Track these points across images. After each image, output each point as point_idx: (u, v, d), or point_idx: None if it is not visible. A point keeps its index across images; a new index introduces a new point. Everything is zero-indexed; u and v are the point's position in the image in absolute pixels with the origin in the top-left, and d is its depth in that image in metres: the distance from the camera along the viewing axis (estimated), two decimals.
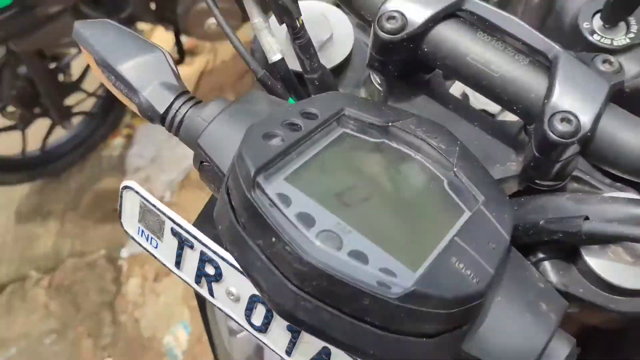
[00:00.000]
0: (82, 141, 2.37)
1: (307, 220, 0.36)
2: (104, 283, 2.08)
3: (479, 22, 0.45)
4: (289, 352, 0.50)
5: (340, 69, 0.59)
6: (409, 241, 0.37)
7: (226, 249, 0.41)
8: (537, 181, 0.45)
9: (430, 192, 0.41)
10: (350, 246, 0.35)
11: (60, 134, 2.30)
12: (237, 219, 0.38)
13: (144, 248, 0.56)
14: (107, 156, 2.42)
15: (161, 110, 0.47)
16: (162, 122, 0.48)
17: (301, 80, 0.55)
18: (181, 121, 0.47)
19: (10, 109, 2.09)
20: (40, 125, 2.19)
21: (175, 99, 0.47)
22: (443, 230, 0.38)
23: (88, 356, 1.91)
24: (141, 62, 0.48)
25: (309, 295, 0.35)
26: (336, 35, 0.59)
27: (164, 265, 0.55)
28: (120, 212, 0.55)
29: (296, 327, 0.39)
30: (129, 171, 2.33)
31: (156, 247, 0.55)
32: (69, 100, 2.17)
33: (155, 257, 0.56)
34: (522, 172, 0.46)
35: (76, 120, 2.24)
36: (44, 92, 2.05)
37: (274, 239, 0.36)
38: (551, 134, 0.41)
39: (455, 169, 0.41)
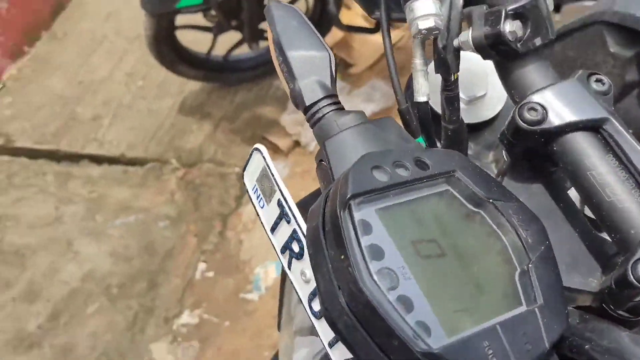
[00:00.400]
0: (261, 65, 2.51)
1: (377, 253, 0.40)
2: (227, 197, 2.23)
3: (613, 143, 0.46)
4: (331, 345, 0.55)
5: (480, 126, 0.61)
6: (458, 309, 0.40)
7: (306, 245, 0.46)
8: (610, 306, 0.46)
9: (500, 275, 0.43)
10: (402, 291, 0.39)
11: (245, 51, 2.44)
12: (324, 224, 0.43)
13: (252, 203, 0.62)
14: (276, 87, 2.55)
15: (307, 103, 0.52)
16: (305, 112, 0.53)
17: (437, 120, 0.57)
18: (320, 119, 0.52)
19: (213, 13, 2.26)
20: (231, 37, 2.34)
21: (323, 98, 0.52)
22: (492, 313, 0.40)
23: (188, 253, 2.08)
24: (308, 56, 0.53)
25: (352, 314, 0.40)
26: (489, 94, 0.61)
27: (262, 224, 0.61)
28: (245, 166, 0.62)
29: (321, 320, 0.44)
30: (289, 109, 2.44)
31: (262, 207, 0.61)
32: (264, 25, 2.30)
33: (258, 215, 0.62)
34: (599, 292, 0.47)
35: (263, 45, 2.38)
36: (246, 9, 2.19)
37: (342, 256, 0.40)
38: (631, 275, 0.42)
39: (530, 265, 0.43)
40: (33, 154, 2.54)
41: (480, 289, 0.42)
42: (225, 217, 2.17)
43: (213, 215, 2.18)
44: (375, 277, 0.39)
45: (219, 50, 2.41)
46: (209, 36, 2.34)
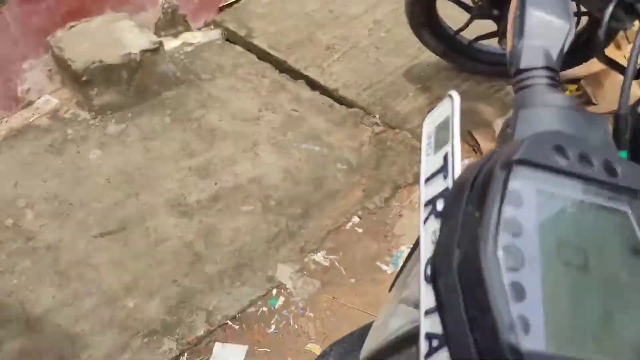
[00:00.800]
0: (502, 64, 2.42)
1: (515, 229, 0.35)
2: (408, 169, 2.21)
3: None
4: (427, 313, 0.51)
5: None
6: (572, 328, 0.35)
7: (448, 194, 0.43)
8: None
9: (639, 325, 0.37)
10: (521, 278, 0.34)
11: (492, 44, 2.37)
12: (475, 177, 0.39)
13: (421, 148, 0.60)
14: (507, 91, 2.45)
15: (522, 66, 0.48)
16: (514, 75, 0.49)
17: None
18: (527, 86, 0.47)
19: None
20: (486, 25, 2.27)
21: (541, 68, 0.47)
22: (607, 355, 0.35)
23: (349, 202, 2.10)
24: (547, 20, 0.49)
25: (458, 275, 0.36)
26: None
27: (419, 172, 0.59)
28: (431, 110, 0.59)
29: (429, 285, 0.40)
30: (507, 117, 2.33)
31: (427, 155, 0.59)
32: None
33: (420, 162, 0.60)
34: None
35: None
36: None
37: (477, 215, 0.36)
38: None
39: None
40: (263, 55, 2.70)
41: (609, 325, 0.36)
42: (397, 187, 2.15)
43: (387, 180, 2.17)
44: (499, 250, 0.35)
45: (468, 34, 2.35)
46: (464, 16, 2.29)
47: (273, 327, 1.79)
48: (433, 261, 0.38)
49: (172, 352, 1.75)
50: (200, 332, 1.79)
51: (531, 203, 0.37)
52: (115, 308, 1.86)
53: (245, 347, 1.75)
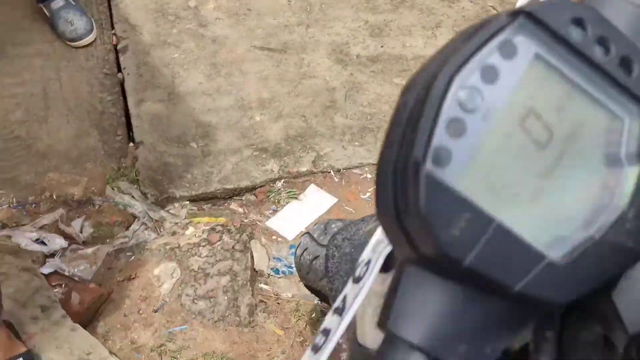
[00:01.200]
0: None
1: (489, 75, 0.32)
2: None
3: None
4: None
5: None
6: (492, 184, 0.32)
7: None
8: None
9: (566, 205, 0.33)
10: (468, 120, 0.32)
11: None
12: (480, 24, 0.36)
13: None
14: None
15: None
16: None
17: None
18: None
19: None
20: None
21: None
22: (510, 215, 0.32)
23: None
24: None
25: (414, 97, 0.34)
26: None
27: None
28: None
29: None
30: None
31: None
32: None
33: None
34: None
35: None
36: None
37: (463, 50, 0.33)
38: None
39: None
40: None
41: (534, 203, 0.33)
42: None
43: None
44: (456, 82, 0.32)
45: None
46: None
47: (367, 194, 1.82)
48: (406, 82, 0.36)
49: (272, 174, 1.84)
50: (304, 169, 1.86)
51: (522, 62, 0.33)
52: (244, 116, 1.97)
53: (335, 200, 1.80)
